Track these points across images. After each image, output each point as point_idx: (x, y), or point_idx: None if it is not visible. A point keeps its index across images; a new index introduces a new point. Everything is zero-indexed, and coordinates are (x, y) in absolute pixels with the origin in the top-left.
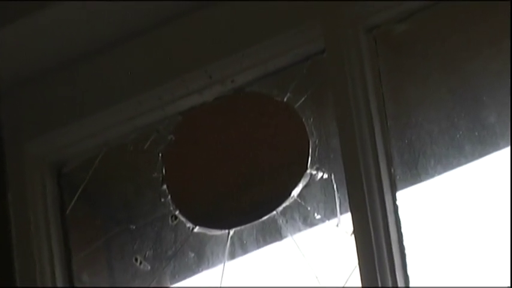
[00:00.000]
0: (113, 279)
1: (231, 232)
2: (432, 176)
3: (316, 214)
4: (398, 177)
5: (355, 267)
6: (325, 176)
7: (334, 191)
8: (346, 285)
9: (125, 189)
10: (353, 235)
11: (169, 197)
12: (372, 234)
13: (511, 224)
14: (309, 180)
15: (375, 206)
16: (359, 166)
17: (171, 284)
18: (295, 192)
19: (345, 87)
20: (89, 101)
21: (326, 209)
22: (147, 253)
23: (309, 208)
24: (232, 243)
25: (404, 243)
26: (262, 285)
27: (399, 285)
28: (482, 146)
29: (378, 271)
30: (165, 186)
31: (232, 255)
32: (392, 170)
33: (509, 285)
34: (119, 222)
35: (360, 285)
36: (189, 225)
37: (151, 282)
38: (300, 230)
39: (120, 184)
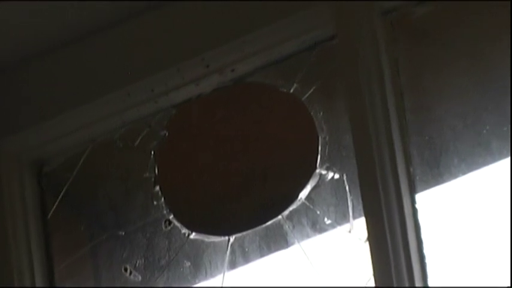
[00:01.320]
0: None
1: (232, 239)
2: (455, 176)
3: (326, 219)
4: (417, 177)
5: (370, 278)
6: (337, 176)
7: (346, 193)
8: None
9: (113, 190)
10: (367, 242)
11: (162, 199)
12: (389, 241)
13: (511, 225)
14: (318, 181)
15: (391, 210)
16: (374, 165)
17: None
18: (303, 194)
19: (358, 77)
20: (73, 92)
21: (337, 213)
22: (138, 262)
23: (318, 212)
24: (232, 251)
25: (425, 251)
26: None
27: None
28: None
29: (394, 282)
30: (157, 188)
31: (233, 265)
32: (411, 170)
33: (509, 285)
34: (106, 228)
35: None
36: (185, 231)
37: None
38: (308, 237)
39: (108, 185)
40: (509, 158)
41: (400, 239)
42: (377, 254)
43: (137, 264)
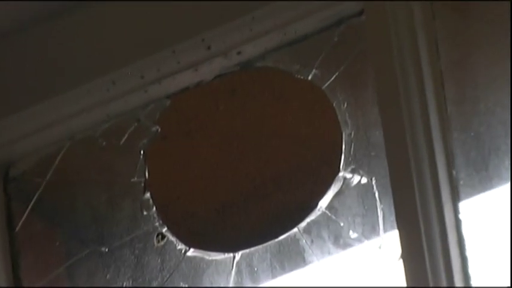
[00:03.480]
0: None
1: (237, 256)
2: (507, 180)
3: (351, 232)
4: (461, 182)
5: None
6: (364, 180)
7: (375, 200)
8: None
9: (95, 198)
10: (401, 260)
11: (153, 208)
12: (427, 259)
13: (511, 225)
14: (342, 186)
15: (430, 221)
16: (409, 167)
17: None
18: (324, 202)
19: (389, 61)
20: (46, 80)
21: (365, 225)
22: (125, 284)
23: (341, 224)
24: (238, 271)
25: (470, 270)
26: None
27: None
28: None
29: None
30: (148, 195)
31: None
32: (453, 173)
33: (509, 285)
34: (86, 243)
35: None
36: (181, 246)
37: None
38: (329, 254)
39: (89, 191)
40: None
41: (440, 256)
42: (413, 275)
43: (124, 286)
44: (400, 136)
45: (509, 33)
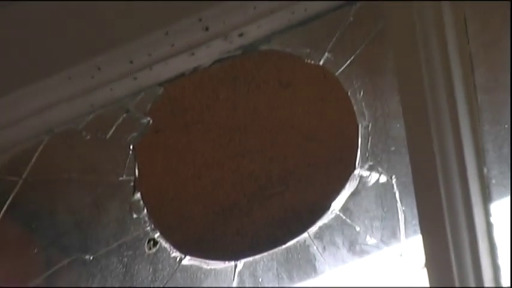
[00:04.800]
0: None
1: (239, 265)
2: None
3: (368, 237)
4: (493, 180)
5: None
6: (383, 179)
7: (396, 202)
8: None
9: (78, 199)
10: (425, 269)
11: (144, 211)
12: (454, 267)
13: (511, 225)
14: (358, 185)
15: (458, 225)
16: (434, 164)
17: None
18: (337, 204)
19: (412, 43)
20: (22, 65)
21: (384, 229)
22: None
23: (357, 228)
24: (241, 282)
25: (503, 281)
26: None
27: None
28: None
29: None
30: (138, 195)
31: None
32: (484, 170)
33: (509, 285)
34: (68, 250)
35: None
36: (176, 254)
37: None
38: (344, 262)
39: (71, 192)
40: None
41: (469, 265)
42: (438, 285)
43: None
44: (423, 129)
45: (510, 33)
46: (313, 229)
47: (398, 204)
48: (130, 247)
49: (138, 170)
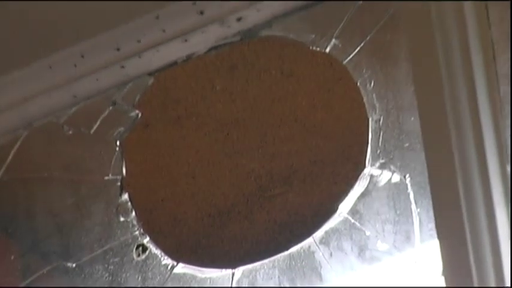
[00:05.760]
0: None
1: (238, 273)
2: None
3: (380, 242)
4: None
5: None
6: (396, 178)
7: (410, 203)
8: None
9: (59, 201)
10: (443, 277)
11: (133, 214)
12: (474, 276)
13: (511, 224)
14: (368, 185)
15: (478, 228)
16: (452, 162)
17: None
18: (345, 206)
19: (428, 28)
20: None
21: (397, 233)
22: None
23: (367, 233)
24: None
25: None
26: None
27: None
28: None
29: None
30: (126, 196)
31: None
32: (507, 169)
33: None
34: (49, 257)
35: None
36: (167, 261)
37: None
38: (352, 269)
39: (51, 193)
40: None
41: (491, 272)
42: None
43: None
44: (441, 122)
45: (510, 33)
46: (319, 233)
47: (413, 206)
48: (116, 253)
49: (126, 168)
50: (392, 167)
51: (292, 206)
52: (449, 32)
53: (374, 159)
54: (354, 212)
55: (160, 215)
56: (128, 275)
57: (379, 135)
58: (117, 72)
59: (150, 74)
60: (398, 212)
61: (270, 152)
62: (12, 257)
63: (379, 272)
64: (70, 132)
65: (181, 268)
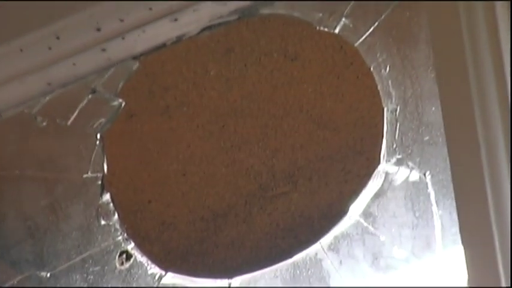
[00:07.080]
0: None
1: (235, 283)
2: None
3: (396, 249)
4: None
5: None
6: (414, 176)
7: (430, 204)
8: None
9: (32, 202)
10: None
11: (115, 216)
12: (504, 286)
13: (511, 224)
14: (383, 184)
15: (507, 233)
16: (478, 157)
17: None
18: (357, 207)
19: (451, 6)
20: None
21: (416, 238)
22: None
23: (382, 238)
24: None
25: None
26: None
27: None
28: None
29: None
30: (107, 197)
31: None
32: None
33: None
34: (20, 266)
35: None
36: (155, 270)
37: None
38: (364, 279)
39: (23, 193)
40: None
41: None
42: None
43: None
44: (465, 113)
45: (510, 33)
46: (327, 239)
47: (434, 207)
48: (97, 262)
49: (107, 165)
50: (410, 164)
51: (296, 208)
52: (475, 9)
53: (390, 154)
54: (366, 214)
55: (147, 218)
56: (109, 285)
57: (396, 127)
58: (97, 56)
59: (134, 57)
60: (417, 215)
61: (272, 147)
62: None
63: (395, 282)
64: (44, 124)
65: (170, 278)
